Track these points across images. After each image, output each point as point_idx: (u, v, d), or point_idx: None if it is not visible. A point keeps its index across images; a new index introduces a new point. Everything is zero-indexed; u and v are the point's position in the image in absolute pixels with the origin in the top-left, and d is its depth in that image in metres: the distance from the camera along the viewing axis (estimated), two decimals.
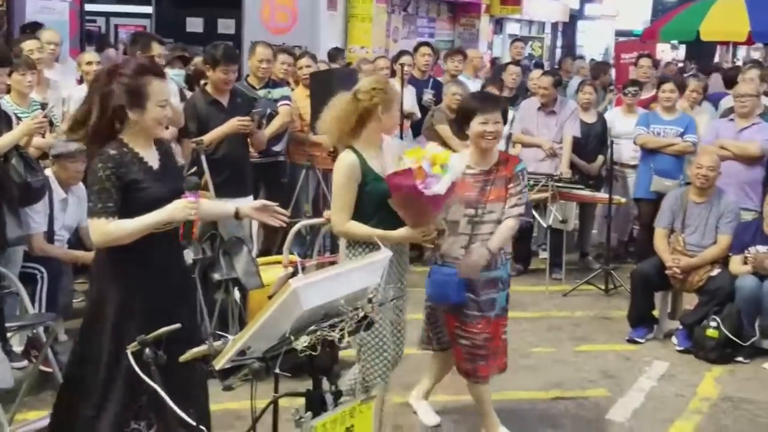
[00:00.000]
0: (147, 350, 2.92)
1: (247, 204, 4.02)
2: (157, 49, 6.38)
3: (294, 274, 4.81)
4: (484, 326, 4.40)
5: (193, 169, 5.27)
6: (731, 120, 7.24)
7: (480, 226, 4.35)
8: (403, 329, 4.34)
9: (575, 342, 6.36)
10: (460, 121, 4.51)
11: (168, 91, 3.60)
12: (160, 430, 3.44)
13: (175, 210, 3.40)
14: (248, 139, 6.31)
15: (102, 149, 3.40)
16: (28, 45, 6.57)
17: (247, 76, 7.46)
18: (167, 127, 4.73)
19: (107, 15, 15.45)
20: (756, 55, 18.37)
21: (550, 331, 6.60)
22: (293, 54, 8.00)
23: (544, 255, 8.34)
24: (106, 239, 3.39)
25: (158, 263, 3.50)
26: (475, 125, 4.36)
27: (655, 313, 6.52)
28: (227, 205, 3.98)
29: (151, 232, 3.41)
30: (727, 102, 8.39)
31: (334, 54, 10.69)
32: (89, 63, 6.79)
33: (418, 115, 8.72)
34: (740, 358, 5.97)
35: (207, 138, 5.91)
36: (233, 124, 6.05)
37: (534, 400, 5.25)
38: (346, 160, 4.05)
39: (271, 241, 7.15)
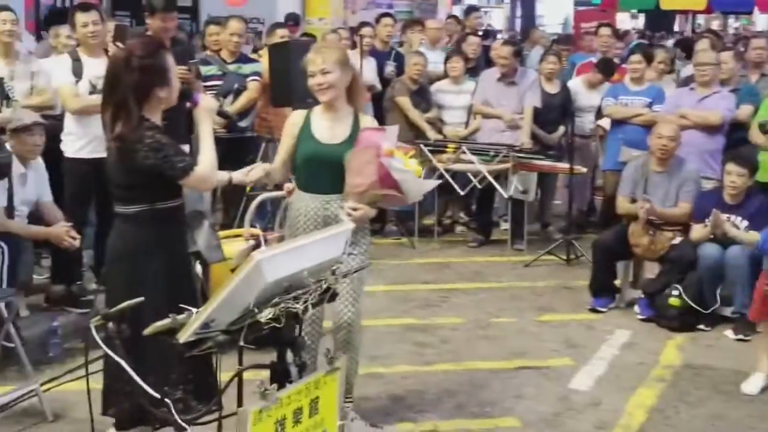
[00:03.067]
0: (110, 324, 2.87)
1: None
2: (82, 18, 6.02)
3: (257, 246, 4.80)
4: None
5: None
6: (692, 89, 7.27)
7: None
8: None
9: (537, 312, 6.37)
10: None
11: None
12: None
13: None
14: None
15: (137, 126, 3.40)
16: None
17: (219, 50, 7.44)
18: None
19: None
20: (714, 24, 18.48)
21: (511, 302, 6.61)
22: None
23: (506, 226, 8.36)
24: (211, 178, 3.61)
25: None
26: None
27: (617, 282, 6.57)
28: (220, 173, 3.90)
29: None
30: (687, 71, 8.41)
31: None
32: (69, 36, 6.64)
33: (379, 87, 8.66)
34: (702, 326, 6.01)
35: None
36: None
37: (496, 371, 5.24)
38: (291, 117, 4.31)
39: (232, 214, 7.08)
